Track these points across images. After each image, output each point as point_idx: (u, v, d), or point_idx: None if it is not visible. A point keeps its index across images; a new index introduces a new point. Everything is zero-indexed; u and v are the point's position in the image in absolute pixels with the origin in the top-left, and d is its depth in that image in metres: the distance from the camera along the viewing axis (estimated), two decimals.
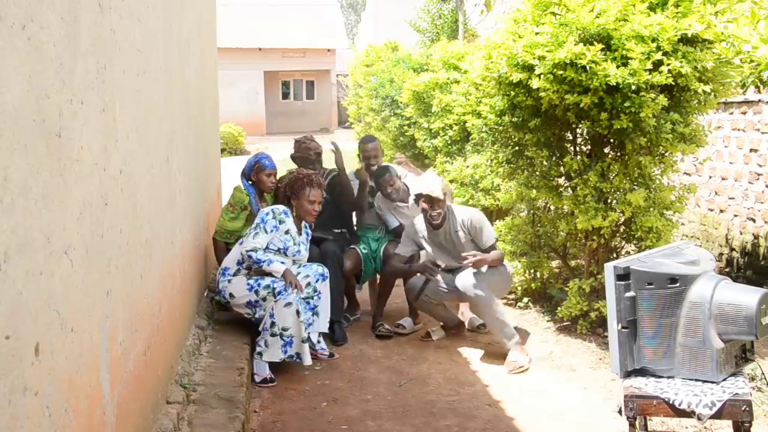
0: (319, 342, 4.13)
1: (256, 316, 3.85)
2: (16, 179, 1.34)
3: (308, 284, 4.00)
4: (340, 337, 4.43)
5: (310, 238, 4.15)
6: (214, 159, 5.88)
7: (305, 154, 4.72)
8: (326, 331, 4.11)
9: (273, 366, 3.78)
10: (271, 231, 3.84)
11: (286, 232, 3.93)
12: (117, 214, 2.13)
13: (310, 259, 4.20)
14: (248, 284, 3.84)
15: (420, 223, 4.41)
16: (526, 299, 5.03)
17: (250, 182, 4.53)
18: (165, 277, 3.00)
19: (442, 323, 4.55)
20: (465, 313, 4.77)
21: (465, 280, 4.11)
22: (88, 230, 1.82)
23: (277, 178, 4.61)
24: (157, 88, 2.93)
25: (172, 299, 3.17)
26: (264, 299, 3.77)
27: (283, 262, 3.86)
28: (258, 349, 3.73)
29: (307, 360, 3.77)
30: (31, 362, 1.41)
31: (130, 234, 2.32)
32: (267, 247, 3.85)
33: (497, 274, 4.19)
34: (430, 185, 4.23)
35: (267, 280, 3.80)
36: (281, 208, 3.95)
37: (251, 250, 3.77)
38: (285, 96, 27.93)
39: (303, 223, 4.05)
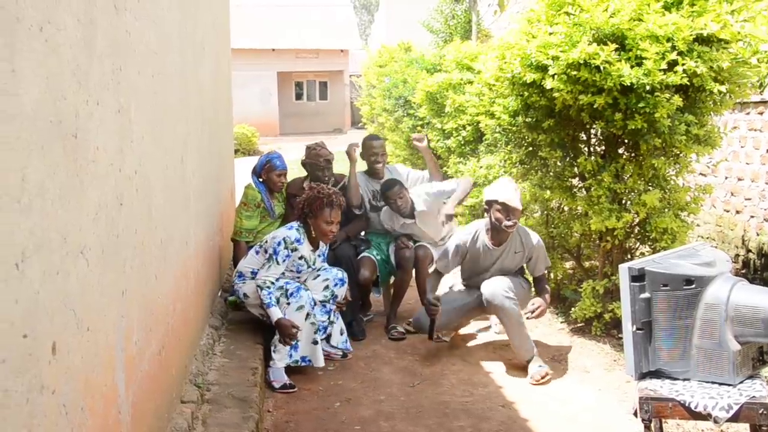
0: (345, 341, 4.12)
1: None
2: (33, 180, 1.35)
3: (326, 287, 4.00)
4: (359, 332, 4.47)
5: (328, 248, 4.14)
6: (228, 160, 5.90)
7: (315, 160, 4.69)
8: (341, 346, 4.12)
9: (287, 367, 3.78)
10: (284, 261, 3.81)
11: (300, 258, 3.89)
12: (132, 214, 2.15)
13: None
14: (257, 286, 3.86)
15: (479, 233, 4.09)
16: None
17: (260, 180, 4.56)
18: (179, 278, 3.02)
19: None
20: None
21: (493, 288, 3.88)
22: (104, 230, 1.83)
23: (287, 178, 4.62)
24: (172, 90, 2.94)
25: (187, 299, 3.19)
26: (277, 300, 3.78)
27: (296, 279, 3.90)
28: (272, 354, 3.73)
29: (319, 362, 3.78)
30: (48, 361, 1.42)
31: (145, 234, 2.33)
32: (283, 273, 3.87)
33: (521, 286, 4.08)
34: (507, 193, 3.84)
35: (280, 281, 3.81)
36: (293, 236, 3.84)
37: (261, 287, 3.77)
38: (298, 97, 28.00)
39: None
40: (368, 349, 4.32)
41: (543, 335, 4.50)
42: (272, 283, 3.76)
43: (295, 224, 3.92)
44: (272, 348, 3.73)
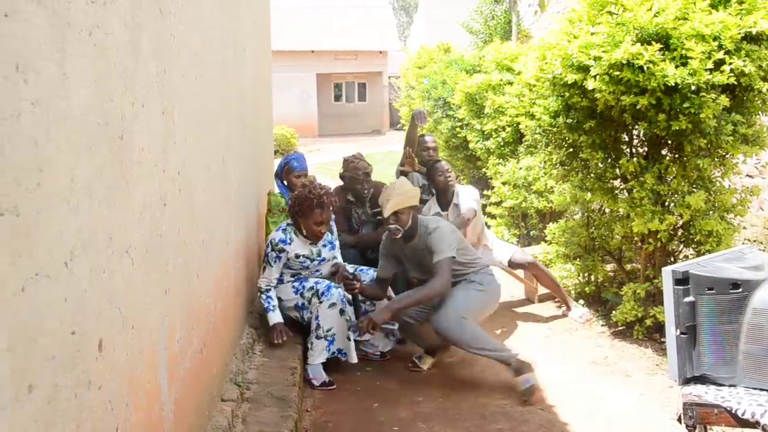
0: (393, 336, 4.13)
1: (305, 318, 3.90)
2: (81, 180, 1.38)
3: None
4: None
5: (336, 235, 4.13)
6: (267, 161, 5.96)
7: (354, 173, 4.66)
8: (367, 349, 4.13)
9: (326, 366, 3.81)
10: (275, 262, 3.84)
11: (297, 257, 3.88)
12: (175, 214, 2.18)
13: (374, 258, 4.24)
14: (293, 287, 3.91)
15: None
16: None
17: (284, 183, 4.59)
18: (220, 277, 3.06)
19: (424, 348, 4.08)
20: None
21: (445, 324, 3.61)
22: (148, 230, 1.87)
23: (306, 180, 4.61)
24: (214, 92, 2.98)
25: (227, 298, 3.23)
26: (309, 301, 3.81)
27: (319, 279, 3.92)
28: (309, 353, 3.77)
29: (353, 358, 3.79)
30: (95, 357, 1.45)
31: (188, 234, 2.37)
32: (288, 266, 3.90)
33: (470, 298, 3.76)
34: (381, 198, 3.76)
35: (310, 282, 3.85)
36: (278, 237, 3.85)
37: (260, 290, 3.84)
38: (337, 98, 28.15)
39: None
40: (406, 350, 4.31)
41: (582, 338, 4.44)
42: (270, 285, 3.84)
43: (284, 224, 3.95)
44: (309, 345, 3.76)
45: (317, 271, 3.99)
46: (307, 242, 3.92)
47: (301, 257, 3.90)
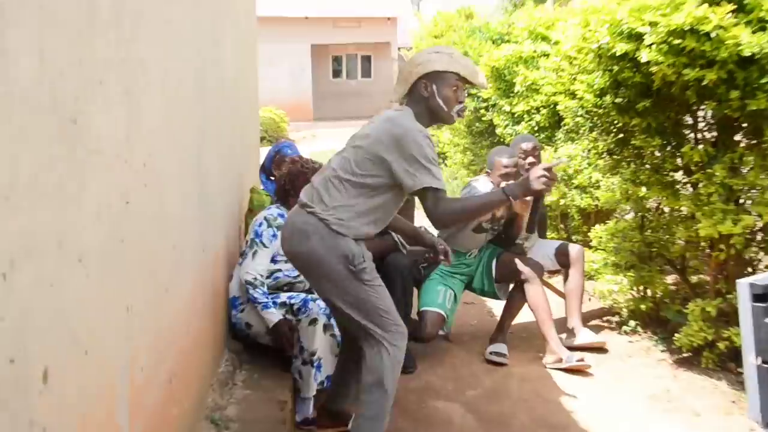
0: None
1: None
2: (24, 173, 1.37)
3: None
4: (406, 364, 4.40)
5: None
6: (252, 150, 5.97)
7: None
8: None
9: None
10: (271, 242, 3.84)
11: None
12: (140, 214, 2.17)
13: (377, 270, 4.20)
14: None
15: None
16: (633, 323, 4.91)
17: (271, 179, 4.57)
18: (195, 290, 3.05)
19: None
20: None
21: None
22: (107, 233, 1.85)
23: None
24: (187, 66, 2.97)
25: (203, 317, 3.21)
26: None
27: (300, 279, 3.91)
28: (299, 383, 3.74)
29: None
30: (39, 391, 1.44)
31: (155, 238, 2.36)
32: (274, 260, 3.88)
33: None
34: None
35: (282, 297, 3.83)
36: (275, 211, 3.93)
37: (250, 283, 3.77)
38: (336, 74, 28.19)
39: None
40: (420, 380, 4.30)
41: (638, 366, 4.41)
42: (262, 277, 3.76)
43: (273, 206, 3.98)
44: (297, 375, 3.73)
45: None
46: None
47: None
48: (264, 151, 5.24)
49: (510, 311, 4.76)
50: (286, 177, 3.97)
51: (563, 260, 4.98)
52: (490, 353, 4.58)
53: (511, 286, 4.78)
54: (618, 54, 4.01)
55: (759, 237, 4.16)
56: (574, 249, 4.97)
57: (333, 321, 3.75)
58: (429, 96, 2.99)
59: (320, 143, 17.57)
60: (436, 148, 2.97)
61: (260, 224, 3.88)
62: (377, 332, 2.94)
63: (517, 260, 4.66)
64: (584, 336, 4.68)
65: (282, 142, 4.67)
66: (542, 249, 5.08)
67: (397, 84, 3.11)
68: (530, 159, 4.93)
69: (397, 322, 2.98)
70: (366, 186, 2.91)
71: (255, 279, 3.73)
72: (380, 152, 2.88)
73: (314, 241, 2.91)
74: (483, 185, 4.59)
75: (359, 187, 2.92)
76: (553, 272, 5.63)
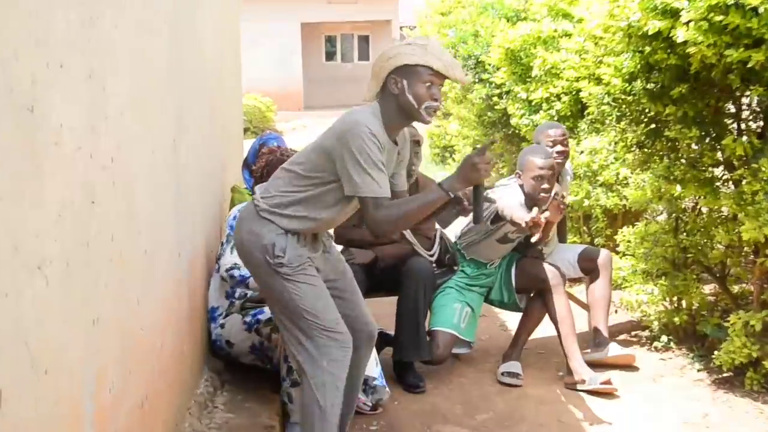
0: (372, 389, 4.07)
1: (273, 363, 3.86)
2: None
3: None
4: (414, 383, 4.44)
5: None
6: (234, 142, 5.96)
7: None
8: (377, 374, 4.07)
9: None
10: None
11: None
12: (107, 215, 2.16)
13: (392, 276, 4.27)
14: (245, 323, 3.88)
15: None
16: (666, 338, 4.91)
17: (255, 176, 4.57)
18: (170, 301, 3.04)
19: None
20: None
21: None
22: (70, 237, 1.85)
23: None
24: (159, 48, 2.97)
25: (180, 331, 3.21)
26: (269, 338, 3.78)
27: None
28: (288, 407, 3.73)
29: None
30: None
31: (125, 243, 2.35)
32: None
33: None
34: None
35: (267, 312, 3.83)
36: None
37: (231, 268, 3.78)
38: (330, 56, 28.19)
39: None
40: (425, 402, 4.29)
41: (672, 388, 4.41)
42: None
43: (249, 201, 3.96)
44: (286, 398, 3.72)
45: None
46: None
47: None
48: (248, 145, 5.24)
49: (527, 325, 4.74)
50: (263, 167, 3.99)
51: (587, 266, 4.96)
52: (503, 373, 4.57)
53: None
54: (650, 33, 4.00)
55: None
56: (600, 254, 4.95)
57: None
58: (399, 92, 3.00)
59: (311, 135, 17.53)
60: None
61: (234, 218, 3.87)
62: (301, 341, 2.98)
63: (540, 265, 4.64)
64: (611, 351, 4.67)
65: (267, 134, 4.66)
66: (563, 254, 5.05)
67: (370, 81, 3.13)
68: (559, 147, 4.80)
69: (328, 327, 2.99)
70: (310, 178, 3.00)
71: (234, 264, 3.75)
72: (327, 144, 2.97)
73: (244, 229, 3.03)
74: (512, 192, 4.50)
75: (303, 179, 3.01)
76: (573, 280, 5.62)
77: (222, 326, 3.90)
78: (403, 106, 3.02)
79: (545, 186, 4.41)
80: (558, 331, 4.52)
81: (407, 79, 2.98)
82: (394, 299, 4.49)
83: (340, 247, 4.56)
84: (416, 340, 4.42)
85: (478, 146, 2.98)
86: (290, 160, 3.14)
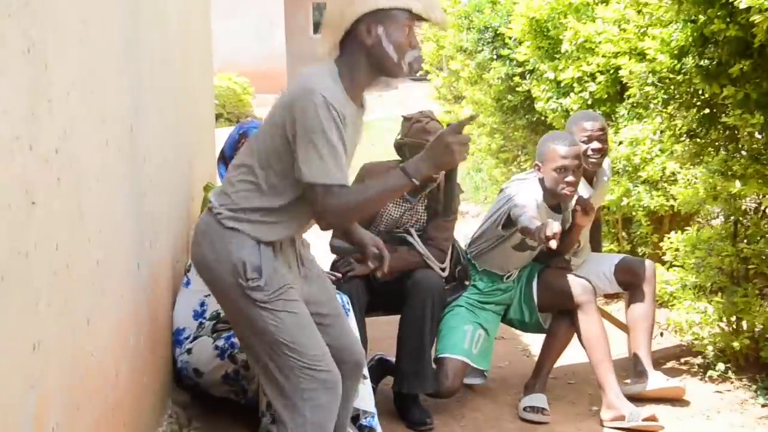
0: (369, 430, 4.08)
1: (249, 395, 3.89)
2: None
3: None
4: (420, 419, 4.43)
5: None
6: (205, 131, 5.95)
7: (422, 139, 4.52)
8: (372, 410, 4.06)
9: None
10: None
11: None
12: (51, 219, 2.15)
13: (395, 292, 4.30)
14: (216, 348, 3.88)
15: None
16: (722, 366, 4.90)
17: None
18: (126, 322, 3.04)
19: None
20: None
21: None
22: (5, 246, 1.83)
23: None
24: (112, 16, 2.95)
25: (137, 357, 3.20)
26: (245, 366, 3.79)
27: None
28: None
29: None
30: None
31: (72, 252, 2.34)
32: None
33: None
34: None
35: (221, 339, 3.87)
36: None
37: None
38: (318, 28, 28.20)
39: None
40: None
41: (730, 427, 4.40)
42: None
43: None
44: None
45: None
46: None
47: None
48: (222, 135, 5.23)
49: (552, 349, 4.72)
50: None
51: (626, 280, 4.94)
52: (525, 408, 4.55)
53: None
54: None
55: None
56: (642, 265, 4.94)
57: None
58: (374, 42, 2.89)
59: None
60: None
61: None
62: (279, 382, 2.91)
63: (565, 278, 4.62)
64: (655, 382, 4.65)
65: (249, 121, 4.67)
66: (596, 265, 5.03)
67: (324, 32, 3.01)
68: (595, 144, 4.80)
69: (312, 365, 2.90)
70: (269, 167, 2.92)
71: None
72: (277, 119, 2.90)
73: (204, 245, 2.96)
74: (529, 189, 4.49)
75: (266, 166, 2.92)
76: (610, 296, 5.61)
77: (189, 351, 3.90)
78: (379, 59, 2.93)
79: (570, 179, 4.38)
80: (590, 357, 4.50)
81: (383, 25, 2.88)
82: (395, 319, 4.49)
83: (332, 257, 4.59)
84: (421, 369, 4.41)
85: (454, 123, 2.89)
86: (241, 151, 3.08)
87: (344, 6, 2.89)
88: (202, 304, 3.94)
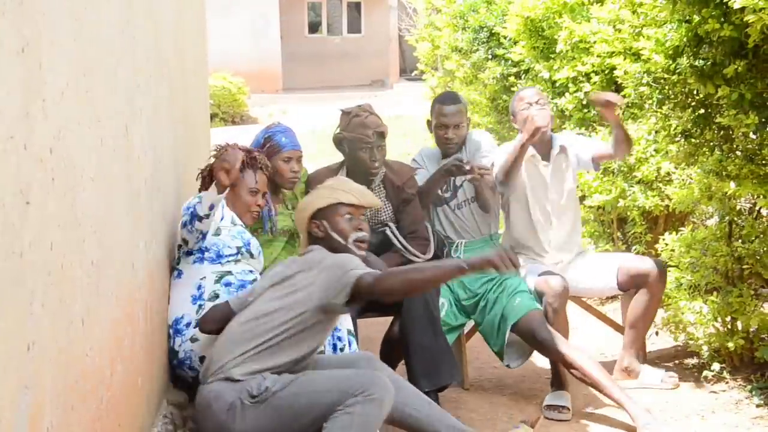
0: None
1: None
2: None
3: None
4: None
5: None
6: (201, 130, 5.94)
7: (360, 134, 4.65)
8: None
9: None
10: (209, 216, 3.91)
11: (234, 224, 4.13)
12: (45, 219, 2.15)
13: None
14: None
15: None
16: (717, 366, 4.90)
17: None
18: (121, 322, 3.03)
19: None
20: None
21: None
22: (0, 245, 1.83)
23: (301, 165, 4.63)
24: (107, 14, 2.95)
25: (132, 358, 3.20)
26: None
27: (251, 271, 4.11)
28: None
29: None
30: None
31: (66, 252, 2.33)
32: (221, 254, 4.04)
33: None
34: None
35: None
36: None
37: (184, 225, 3.93)
38: (314, 28, 28.22)
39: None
40: None
41: (726, 426, 4.41)
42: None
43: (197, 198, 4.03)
44: None
45: (244, 283, 4.01)
46: (235, 228, 4.14)
47: (239, 226, 4.15)
48: (217, 134, 5.22)
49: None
50: (210, 167, 4.16)
51: (634, 281, 4.91)
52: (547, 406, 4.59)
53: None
54: None
55: None
56: (652, 265, 4.93)
57: None
58: (324, 235, 3.68)
59: (292, 122, 17.52)
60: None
61: (187, 208, 3.96)
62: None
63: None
64: (648, 377, 4.66)
65: (275, 125, 4.68)
66: (595, 265, 5.05)
67: (300, 234, 3.91)
68: (537, 107, 5.04)
69: (352, 390, 3.27)
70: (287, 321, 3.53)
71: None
72: (301, 286, 3.53)
73: (219, 404, 3.47)
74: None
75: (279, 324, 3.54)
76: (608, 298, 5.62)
77: (192, 340, 3.87)
78: (331, 245, 3.64)
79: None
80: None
81: (326, 220, 3.68)
82: (387, 319, 4.51)
83: None
84: (433, 366, 4.40)
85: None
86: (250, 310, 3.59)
87: (300, 215, 3.80)
88: (199, 287, 3.93)
